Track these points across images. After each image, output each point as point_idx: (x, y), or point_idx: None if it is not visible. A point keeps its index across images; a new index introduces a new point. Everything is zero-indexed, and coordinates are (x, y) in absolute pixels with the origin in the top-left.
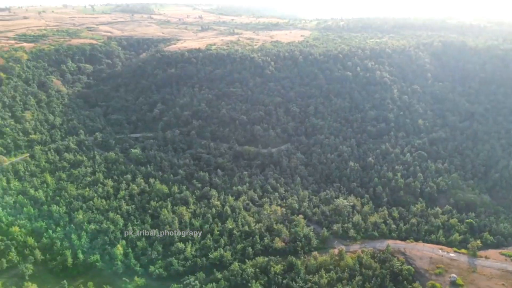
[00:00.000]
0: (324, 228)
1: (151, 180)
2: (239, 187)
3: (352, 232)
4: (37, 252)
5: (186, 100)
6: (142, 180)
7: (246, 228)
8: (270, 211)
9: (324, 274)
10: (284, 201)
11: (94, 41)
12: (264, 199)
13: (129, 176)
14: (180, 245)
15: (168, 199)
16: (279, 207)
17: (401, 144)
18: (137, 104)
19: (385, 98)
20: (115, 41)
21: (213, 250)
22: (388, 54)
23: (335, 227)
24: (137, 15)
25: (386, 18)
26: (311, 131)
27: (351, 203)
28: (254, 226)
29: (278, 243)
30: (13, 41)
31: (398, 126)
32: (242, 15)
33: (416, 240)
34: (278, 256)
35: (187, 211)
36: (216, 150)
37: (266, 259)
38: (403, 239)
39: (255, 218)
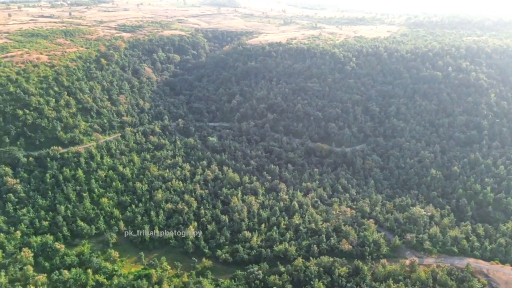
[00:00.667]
0: (396, 236)
1: (225, 168)
2: (309, 183)
3: (427, 244)
4: (121, 223)
5: (263, 93)
6: (216, 167)
7: (313, 225)
8: (339, 211)
9: (392, 284)
10: (355, 203)
11: (183, 33)
12: (333, 199)
13: (205, 162)
14: (247, 234)
15: (239, 187)
16: (348, 209)
17: (494, 154)
18: (217, 94)
19: (479, 103)
20: (201, 33)
21: (278, 243)
22: (488, 54)
23: (408, 236)
24: (224, 8)
25: (489, 15)
26: (391, 133)
27: (429, 213)
28: (321, 224)
29: (345, 245)
30: (114, 31)
31: (492, 134)
32: (327, 8)
33: (503, 262)
34: (343, 258)
35: (256, 201)
36: (288, 145)
37: (331, 259)
38: (487, 259)
39: (323, 216)
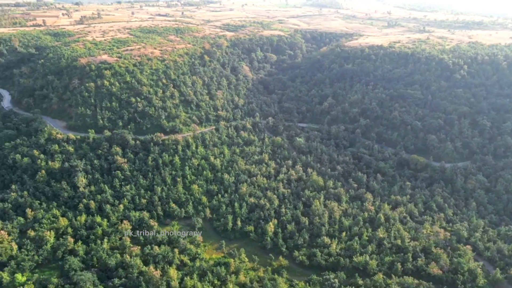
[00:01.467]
0: (497, 268)
1: (309, 170)
2: (398, 197)
3: None
4: (207, 210)
5: (357, 97)
6: (301, 168)
7: (399, 242)
8: (430, 231)
9: None
10: (450, 225)
11: (282, 33)
12: (425, 217)
13: (290, 162)
14: (326, 240)
15: (322, 191)
16: (442, 230)
17: None
18: (309, 95)
19: None
20: (300, 33)
21: (358, 254)
22: None
23: None
24: (325, 9)
25: None
26: (503, 152)
27: None
28: (408, 242)
29: (434, 269)
30: (218, 30)
31: None
32: (438, 11)
33: None
34: (431, 283)
35: (338, 208)
36: (379, 153)
37: (416, 281)
38: None
39: (411, 234)
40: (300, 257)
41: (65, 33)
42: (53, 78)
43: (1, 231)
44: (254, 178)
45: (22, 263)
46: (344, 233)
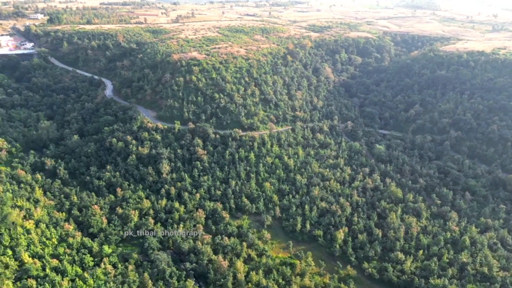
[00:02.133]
0: None
1: (388, 180)
2: (489, 220)
3: None
4: (277, 209)
5: (449, 106)
6: (378, 177)
7: (485, 270)
8: None
9: None
10: None
11: (369, 35)
12: None
13: (367, 170)
14: (400, 256)
15: (400, 204)
16: None
17: None
18: (394, 101)
19: None
20: (389, 36)
21: (436, 276)
22: None
23: None
24: (420, 10)
25: None
26: None
27: None
28: (497, 272)
29: None
30: (304, 30)
31: None
32: None
33: None
34: None
35: (417, 224)
36: (470, 170)
37: None
38: None
39: (501, 263)
40: (370, 269)
41: (162, 30)
42: (149, 72)
43: (95, 205)
44: (327, 182)
45: (109, 236)
46: (421, 252)
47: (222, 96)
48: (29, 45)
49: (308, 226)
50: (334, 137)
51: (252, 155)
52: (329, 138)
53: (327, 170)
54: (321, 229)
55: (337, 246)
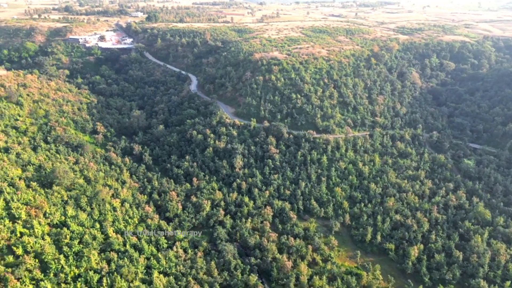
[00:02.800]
0: None
1: (475, 199)
2: None
3: None
4: (347, 216)
5: None
6: (464, 195)
7: None
8: None
9: None
10: None
11: (466, 39)
12: None
13: (451, 185)
14: (483, 284)
15: (487, 227)
16: None
17: None
18: (490, 113)
19: None
20: (490, 41)
21: None
22: None
23: None
24: None
25: None
26: None
27: None
28: None
29: None
30: (391, 32)
31: None
32: None
33: None
34: None
35: (506, 251)
36: None
37: None
38: None
39: None
40: None
41: (247, 29)
42: (231, 69)
43: (173, 191)
44: (404, 194)
45: (183, 222)
46: (508, 283)
47: (299, 96)
48: (129, 40)
49: (379, 237)
50: (416, 147)
51: (324, 158)
52: (410, 148)
53: (405, 181)
54: (393, 242)
55: (410, 263)
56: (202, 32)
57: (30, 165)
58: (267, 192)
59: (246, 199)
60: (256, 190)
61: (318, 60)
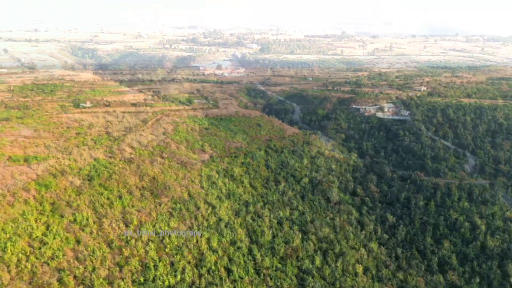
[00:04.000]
0: None
1: None
2: None
3: None
4: (454, 274)
5: None
6: None
7: None
8: None
9: None
10: None
11: None
12: None
13: None
14: None
15: None
16: None
17: None
18: None
19: None
20: None
21: None
22: None
23: None
24: None
25: None
26: None
27: None
28: None
29: None
30: None
31: None
32: None
33: None
34: None
35: None
36: None
37: None
38: None
39: None
40: None
41: (356, 62)
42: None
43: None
44: None
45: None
46: None
47: (407, 133)
48: (406, 112)
49: None
50: None
51: (432, 204)
52: None
53: None
54: None
55: None
56: (311, 63)
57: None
58: (363, 232)
59: (340, 236)
60: (351, 228)
61: (433, 96)
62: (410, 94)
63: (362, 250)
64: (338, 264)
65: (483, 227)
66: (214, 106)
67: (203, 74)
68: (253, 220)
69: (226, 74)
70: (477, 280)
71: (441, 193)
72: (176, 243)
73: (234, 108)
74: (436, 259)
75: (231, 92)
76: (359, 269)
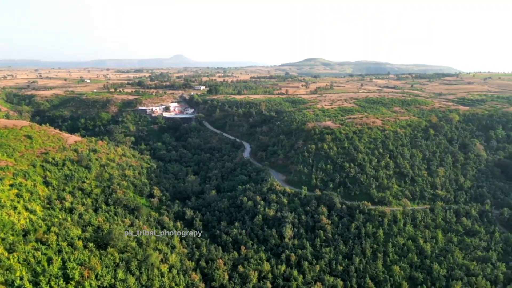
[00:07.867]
0: None
1: None
2: None
3: None
4: None
5: None
6: None
7: None
8: None
9: None
10: None
11: None
12: None
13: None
14: None
15: None
16: None
17: None
18: None
19: None
20: None
21: None
22: None
23: None
24: None
25: None
26: None
27: None
28: None
29: None
30: (450, 103)
31: None
32: None
33: None
34: None
35: None
36: None
37: None
38: None
39: None
40: None
41: (300, 100)
42: (283, 138)
43: (220, 259)
44: (474, 278)
45: None
46: None
47: (352, 165)
48: (190, 111)
49: None
50: (485, 225)
51: (380, 232)
52: (478, 226)
53: (474, 263)
54: None
55: None
56: (258, 103)
57: (90, 226)
58: (318, 266)
59: (295, 272)
60: (306, 263)
61: (373, 129)
62: (192, 93)
63: (319, 283)
64: None
65: (429, 251)
66: None
67: (150, 117)
68: (207, 263)
69: (174, 116)
70: None
71: (388, 220)
72: None
73: None
74: (389, 285)
75: None
76: None
